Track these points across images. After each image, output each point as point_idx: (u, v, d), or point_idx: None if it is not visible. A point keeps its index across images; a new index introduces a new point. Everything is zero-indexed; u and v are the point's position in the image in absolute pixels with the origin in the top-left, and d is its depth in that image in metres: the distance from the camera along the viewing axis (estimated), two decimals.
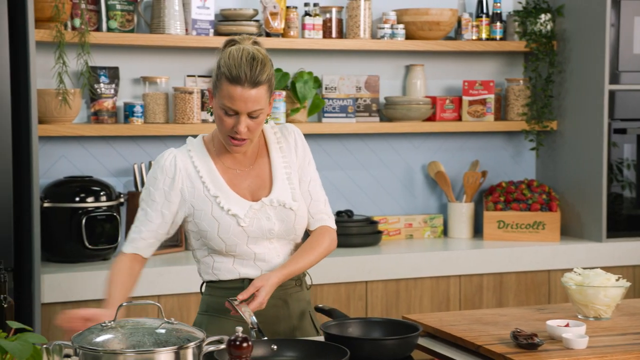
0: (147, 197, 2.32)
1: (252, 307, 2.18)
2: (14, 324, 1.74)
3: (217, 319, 2.34)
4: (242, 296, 2.21)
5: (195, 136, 2.41)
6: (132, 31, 3.55)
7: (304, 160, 2.40)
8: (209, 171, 2.31)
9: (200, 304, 2.43)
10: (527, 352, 2.07)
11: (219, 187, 2.30)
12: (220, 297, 2.32)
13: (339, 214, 3.87)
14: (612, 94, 3.84)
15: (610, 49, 3.81)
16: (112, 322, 1.87)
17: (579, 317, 2.41)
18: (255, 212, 2.30)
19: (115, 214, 3.41)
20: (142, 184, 3.57)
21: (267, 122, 2.39)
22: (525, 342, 2.10)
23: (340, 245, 3.78)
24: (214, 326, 2.31)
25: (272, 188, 2.34)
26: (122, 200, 3.49)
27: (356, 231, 3.74)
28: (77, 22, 3.41)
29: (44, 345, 1.77)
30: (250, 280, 2.31)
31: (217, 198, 2.29)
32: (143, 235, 2.31)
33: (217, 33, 3.65)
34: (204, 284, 2.41)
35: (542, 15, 4.01)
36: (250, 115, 2.22)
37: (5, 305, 2.00)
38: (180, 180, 2.30)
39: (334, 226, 2.43)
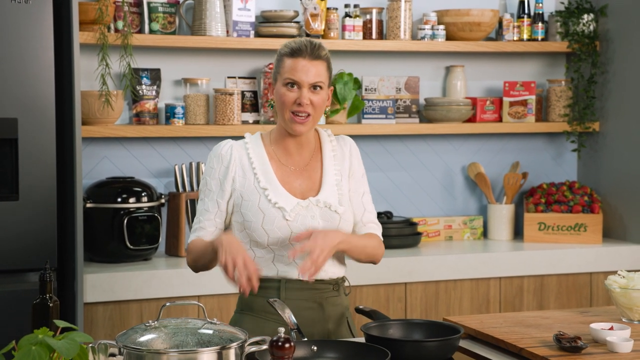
0: (204, 187, 2.40)
1: (305, 267, 2.18)
2: (61, 323, 1.77)
3: (253, 318, 2.36)
4: (297, 240, 2.24)
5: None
6: (173, 33, 3.59)
7: (357, 172, 2.46)
8: (262, 164, 2.37)
9: (237, 302, 2.45)
10: (571, 355, 2.05)
11: (270, 180, 2.35)
12: (256, 296, 2.31)
13: (378, 215, 3.86)
14: None
15: None
16: (156, 322, 1.89)
17: (623, 320, 2.39)
18: (301, 209, 2.33)
19: (156, 214, 3.44)
20: (183, 185, 3.60)
21: (325, 127, 2.46)
22: (569, 345, 2.08)
23: None
24: (250, 325, 2.33)
25: (321, 190, 2.38)
26: (163, 201, 3.52)
27: (395, 232, 3.74)
28: (120, 24, 3.45)
29: (90, 344, 1.79)
30: (289, 280, 2.33)
31: (266, 190, 2.34)
32: (202, 225, 2.38)
33: (258, 35, 3.67)
34: None
35: (585, 16, 3.96)
36: (312, 88, 2.30)
37: (50, 305, 2.03)
38: (234, 169, 2.37)
39: (382, 238, 2.47)
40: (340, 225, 2.36)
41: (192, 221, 3.62)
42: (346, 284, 2.45)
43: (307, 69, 2.30)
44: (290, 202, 2.33)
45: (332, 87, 2.43)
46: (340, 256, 2.42)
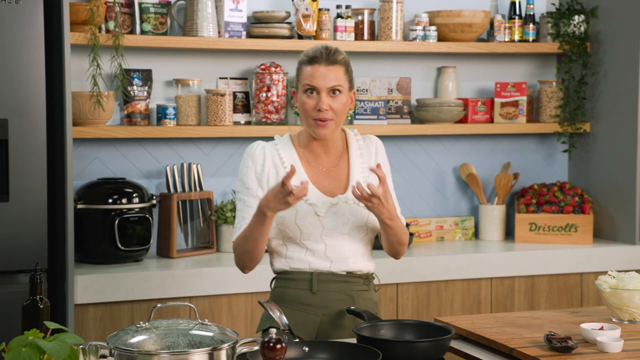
0: (242, 187, 2.46)
1: (365, 189, 2.26)
2: (51, 325, 1.76)
3: (285, 309, 2.41)
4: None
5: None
6: (165, 34, 3.58)
7: (383, 169, 2.49)
8: (293, 163, 2.44)
9: (269, 297, 2.52)
10: (561, 355, 2.05)
11: (301, 178, 2.42)
12: (290, 288, 2.43)
13: None
14: None
15: None
16: (147, 323, 1.89)
17: (614, 320, 2.39)
18: (331, 205, 2.42)
19: (147, 215, 3.43)
20: (175, 186, 3.59)
21: (350, 126, 2.59)
22: (560, 345, 2.08)
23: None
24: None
25: (348, 188, 2.45)
26: (154, 202, 3.51)
27: None
28: (111, 25, 3.44)
29: (81, 346, 1.79)
30: (320, 273, 2.41)
31: (298, 187, 2.37)
32: (247, 221, 2.41)
33: (250, 35, 3.67)
34: (274, 280, 2.51)
35: (576, 17, 3.98)
36: (331, 93, 2.39)
37: (41, 306, 2.02)
38: (268, 168, 2.45)
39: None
40: (368, 221, 2.44)
41: (182, 225, 3.62)
42: (376, 281, 2.52)
43: (324, 75, 2.38)
44: (321, 199, 2.42)
45: (354, 90, 2.49)
46: (368, 251, 2.50)
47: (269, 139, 3.78)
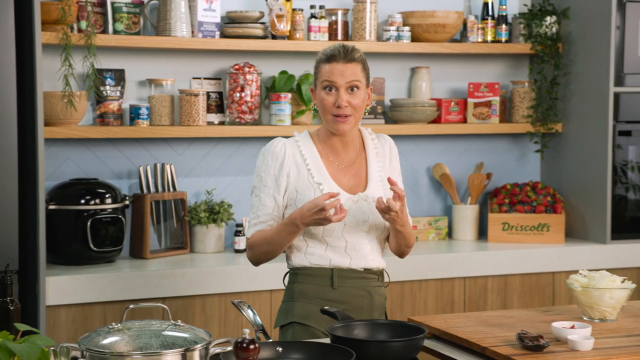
0: (259, 183, 2.50)
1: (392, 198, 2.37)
2: (22, 327, 1.75)
3: (304, 304, 2.47)
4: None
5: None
6: (138, 33, 3.56)
7: (396, 169, 2.61)
8: (314, 160, 2.49)
9: (285, 292, 2.55)
10: (533, 354, 2.07)
11: (323, 175, 2.48)
12: (310, 284, 2.48)
13: None
14: (616, 96, 3.84)
15: (616, 51, 3.81)
16: (119, 324, 1.88)
17: (585, 318, 2.42)
18: (352, 203, 2.48)
19: (120, 216, 3.42)
20: (148, 186, 3.58)
21: (366, 126, 2.65)
22: (531, 343, 2.10)
23: None
24: (300, 311, 2.48)
25: (367, 186, 2.53)
26: (127, 202, 3.49)
27: None
28: (83, 24, 3.42)
29: (52, 348, 1.77)
30: (340, 269, 2.47)
31: (321, 185, 2.47)
32: (262, 219, 2.48)
33: (223, 35, 3.66)
34: (288, 274, 2.55)
35: (548, 18, 4.01)
36: (349, 90, 2.45)
37: (11, 308, 2.00)
38: (288, 165, 2.48)
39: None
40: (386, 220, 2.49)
41: (155, 225, 3.60)
42: (385, 278, 2.58)
43: (342, 71, 2.44)
44: (343, 196, 2.46)
45: (371, 87, 2.55)
46: (382, 248, 2.57)
47: (243, 139, 3.81)
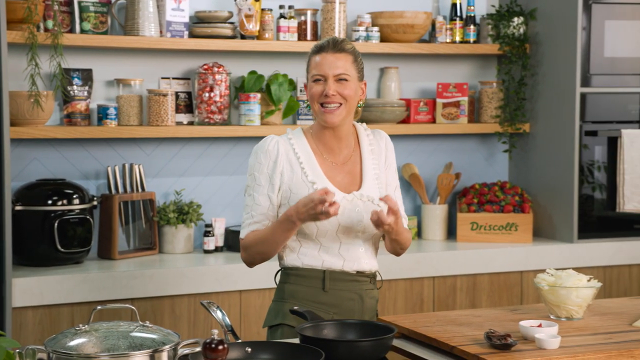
0: (253, 182, 2.46)
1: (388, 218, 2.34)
2: None
3: (295, 305, 2.42)
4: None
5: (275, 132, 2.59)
6: (105, 33, 3.54)
7: (392, 165, 2.57)
8: (308, 158, 2.45)
9: (275, 292, 2.52)
10: (501, 353, 2.08)
11: (317, 174, 2.44)
12: (302, 285, 2.45)
13: None
14: (583, 96, 3.88)
15: (582, 52, 3.85)
16: (86, 326, 1.86)
17: (551, 317, 2.44)
18: (347, 202, 2.44)
19: (88, 217, 3.39)
20: (116, 186, 3.55)
21: (360, 122, 2.62)
22: (499, 342, 2.11)
23: None
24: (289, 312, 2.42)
25: (362, 184, 2.49)
26: (95, 203, 3.47)
27: None
28: (50, 23, 3.39)
29: (17, 350, 1.75)
30: (333, 271, 2.44)
31: (315, 184, 2.43)
32: (256, 219, 2.44)
33: (192, 35, 3.64)
34: (280, 272, 2.52)
35: (515, 19, 4.04)
36: (338, 80, 2.42)
37: None
38: (281, 163, 2.44)
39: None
40: None
41: (124, 226, 3.57)
42: (378, 278, 2.55)
43: (331, 62, 2.41)
44: (337, 195, 2.42)
45: (364, 81, 2.52)
46: (376, 249, 2.54)
47: (212, 139, 3.80)
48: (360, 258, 2.47)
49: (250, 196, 2.46)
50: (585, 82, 3.87)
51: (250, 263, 2.50)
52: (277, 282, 2.53)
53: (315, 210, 2.29)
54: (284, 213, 2.40)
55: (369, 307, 2.50)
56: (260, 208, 2.44)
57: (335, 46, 2.43)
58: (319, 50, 2.45)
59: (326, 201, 2.28)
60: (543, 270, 2.61)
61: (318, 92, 2.42)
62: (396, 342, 2.30)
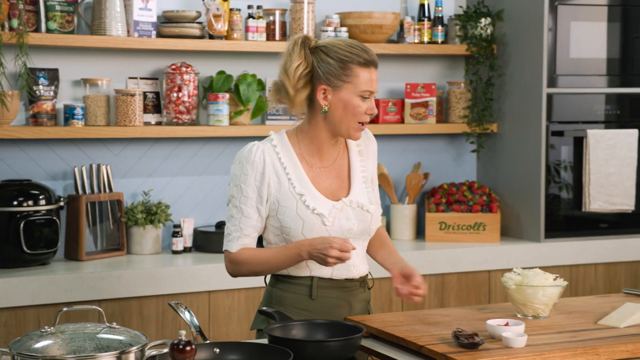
0: (239, 194, 2.37)
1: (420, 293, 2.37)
2: None
3: (286, 314, 2.38)
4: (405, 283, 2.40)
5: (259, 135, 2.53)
6: (72, 32, 3.50)
7: (374, 167, 2.54)
8: (294, 167, 2.38)
9: (264, 295, 2.49)
10: (468, 352, 2.10)
11: (304, 184, 2.37)
12: (289, 292, 2.41)
13: None
14: (549, 97, 3.92)
15: (548, 53, 3.89)
16: (52, 328, 1.84)
17: (518, 316, 2.46)
18: (337, 211, 2.38)
19: (54, 218, 3.36)
20: (83, 187, 3.52)
21: None
22: (466, 341, 2.12)
23: None
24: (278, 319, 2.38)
25: (351, 190, 2.43)
26: (61, 203, 3.44)
27: None
28: (15, 22, 3.35)
29: None
30: (321, 279, 2.40)
31: (303, 196, 2.36)
32: (245, 232, 2.38)
33: (160, 35, 3.62)
34: (271, 277, 2.47)
35: (483, 20, 4.07)
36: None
37: None
38: (269, 175, 2.36)
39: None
40: (371, 224, 2.45)
41: (91, 227, 3.54)
42: (369, 276, 2.53)
43: (376, 79, 2.38)
44: (326, 205, 2.37)
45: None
46: (363, 254, 2.50)
47: (181, 139, 3.78)
48: (350, 266, 2.42)
49: (237, 207, 2.37)
50: (552, 82, 3.91)
51: (236, 276, 2.43)
52: (266, 284, 2.49)
53: (328, 252, 2.25)
54: (295, 242, 2.33)
55: (357, 310, 2.48)
56: (249, 221, 2.36)
57: (377, 62, 2.38)
58: (367, 64, 2.35)
59: (345, 250, 2.25)
60: (510, 270, 2.63)
61: (364, 110, 2.35)
62: (365, 342, 2.30)
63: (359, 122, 2.37)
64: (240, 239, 2.38)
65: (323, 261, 2.28)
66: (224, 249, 2.41)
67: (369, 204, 2.44)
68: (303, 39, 2.39)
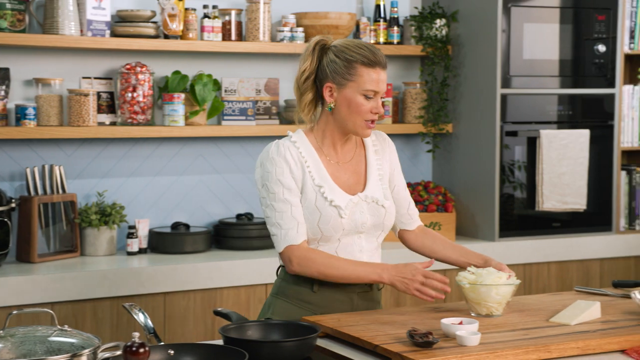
0: (280, 188, 2.39)
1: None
2: None
3: (284, 303, 2.44)
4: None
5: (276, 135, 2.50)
6: (23, 31, 3.45)
7: (398, 166, 2.58)
8: (314, 161, 2.43)
9: (273, 286, 2.52)
10: (423, 351, 2.11)
11: (323, 177, 2.42)
12: (292, 283, 2.44)
13: (239, 217, 3.86)
14: (503, 97, 3.96)
15: (502, 54, 3.93)
16: (2, 331, 1.81)
17: (472, 314, 2.48)
18: (353, 205, 2.43)
19: (5, 219, 3.31)
20: (35, 188, 3.47)
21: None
22: (421, 340, 2.13)
23: (240, 248, 3.78)
24: (280, 309, 2.44)
25: (367, 185, 2.48)
26: (13, 205, 3.39)
27: (256, 234, 3.74)
28: None
29: None
30: None
31: (322, 188, 2.40)
32: (301, 220, 2.39)
33: (114, 34, 3.59)
34: (281, 268, 2.50)
35: (437, 21, 4.10)
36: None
37: None
38: (296, 167, 2.42)
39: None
40: (385, 219, 2.47)
41: (44, 228, 3.50)
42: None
43: (383, 79, 2.41)
44: (344, 199, 2.41)
45: None
46: (378, 250, 2.53)
47: (136, 140, 3.74)
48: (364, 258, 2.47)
49: (283, 201, 2.38)
50: (506, 83, 3.96)
51: (300, 274, 2.41)
52: (277, 275, 2.52)
53: (415, 278, 2.35)
54: (377, 263, 2.41)
55: (362, 309, 2.49)
56: (299, 209, 2.39)
57: (384, 62, 2.41)
58: (373, 64, 2.39)
59: (435, 280, 2.36)
60: (464, 268, 2.65)
61: (369, 108, 2.40)
62: (320, 342, 2.30)
63: (366, 120, 2.42)
64: (299, 228, 2.39)
65: (407, 288, 2.37)
66: (284, 246, 2.39)
67: (384, 199, 2.48)
68: (316, 42, 2.49)
